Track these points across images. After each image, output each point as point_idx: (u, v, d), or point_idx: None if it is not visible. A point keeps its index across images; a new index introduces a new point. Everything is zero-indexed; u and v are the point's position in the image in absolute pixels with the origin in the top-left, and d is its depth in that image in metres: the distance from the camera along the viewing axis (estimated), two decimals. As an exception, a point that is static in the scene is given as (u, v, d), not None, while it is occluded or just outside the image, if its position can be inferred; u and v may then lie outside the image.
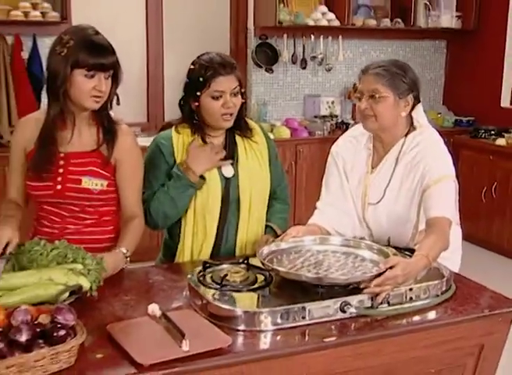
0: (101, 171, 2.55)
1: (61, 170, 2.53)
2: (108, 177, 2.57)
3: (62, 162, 2.54)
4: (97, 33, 2.50)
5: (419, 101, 2.74)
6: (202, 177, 2.71)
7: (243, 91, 2.74)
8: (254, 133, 2.87)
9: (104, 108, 2.56)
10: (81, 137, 2.57)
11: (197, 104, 2.70)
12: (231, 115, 2.69)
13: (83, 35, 2.46)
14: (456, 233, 2.79)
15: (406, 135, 2.74)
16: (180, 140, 2.77)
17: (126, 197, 2.63)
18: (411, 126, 2.76)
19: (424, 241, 2.45)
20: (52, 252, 2.27)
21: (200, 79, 2.65)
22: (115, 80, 2.52)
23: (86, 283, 2.16)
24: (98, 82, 2.43)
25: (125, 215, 2.67)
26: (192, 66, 2.72)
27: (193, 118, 2.76)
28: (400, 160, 2.72)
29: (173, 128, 2.80)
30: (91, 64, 2.41)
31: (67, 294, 2.11)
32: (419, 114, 2.78)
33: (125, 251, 2.50)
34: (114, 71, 2.49)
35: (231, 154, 2.79)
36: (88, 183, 2.52)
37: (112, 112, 2.62)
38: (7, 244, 2.26)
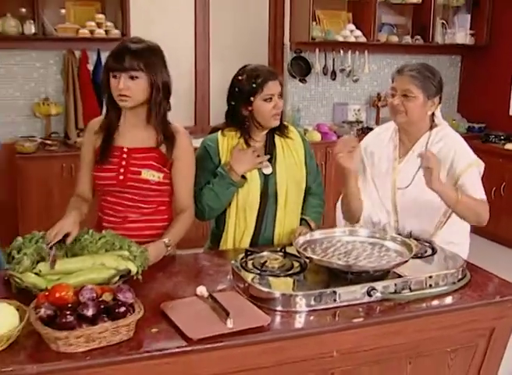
0: (158, 165, 2.56)
1: (124, 163, 2.56)
2: (164, 171, 2.58)
3: (125, 156, 2.57)
4: (137, 41, 2.52)
5: (440, 102, 2.77)
6: (243, 177, 2.70)
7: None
8: (290, 132, 2.87)
9: (156, 112, 2.54)
10: (140, 135, 2.58)
11: (250, 108, 2.69)
12: (279, 115, 2.71)
13: (120, 44, 2.53)
14: (465, 223, 2.81)
15: (430, 130, 2.77)
16: (225, 142, 2.77)
17: (180, 191, 2.64)
18: (433, 123, 2.79)
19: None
20: (100, 240, 2.28)
21: (254, 85, 2.66)
22: (155, 83, 2.50)
23: (133, 268, 2.17)
24: (119, 82, 2.45)
25: (177, 207, 2.67)
26: (240, 77, 2.71)
27: (244, 123, 2.75)
28: (428, 150, 2.71)
29: (220, 132, 2.80)
30: (111, 66, 2.47)
31: (117, 277, 2.12)
32: (438, 113, 2.81)
33: (167, 241, 2.49)
34: (150, 75, 2.48)
35: (270, 153, 2.78)
36: (147, 174, 2.54)
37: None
38: (66, 235, 2.29)
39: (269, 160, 2.77)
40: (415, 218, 2.78)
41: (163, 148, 2.58)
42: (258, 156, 2.73)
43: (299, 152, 2.86)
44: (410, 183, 2.74)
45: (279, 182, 2.76)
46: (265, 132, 2.80)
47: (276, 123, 2.75)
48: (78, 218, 2.45)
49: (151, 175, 2.55)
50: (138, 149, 2.58)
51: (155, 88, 2.50)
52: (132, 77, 2.45)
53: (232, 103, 2.75)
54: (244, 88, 2.69)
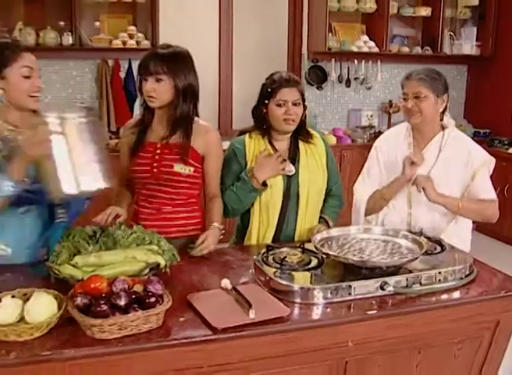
0: (189, 160, 2.59)
1: (157, 157, 2.60)
2: (194, 165, 2.61)
3: (158, 151, 2.61)
4: (164, 47, 2.58)
5: (448, 100, 2.81)
6: (265, 184, 2.69)
7: (306, 104, 2.75)
8: (313, 138, 2.85)
9: (172, 112, 2.57)
10: (166, 132, 2.61)
11: (265, 110, 2.70)
12: (293, 120, 2.69)
13: (150, 50, 2.63)
14: (468, 222, 2.89)
15: (442, 130, 2.81)
16: (252, 145, 2.77)
17: (211, 181, 2.70)
18: (442, 122, 2.83)
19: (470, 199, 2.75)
20: (132, 235, 2.28)
21: (269, 90, 2.68)
22: (177, 85, 2.53)
23: (162, 261, 2.17)
24: (147, 84, 2.51)
25: (209, 195, 2.73)
26: (265, 82, 2.74)
27: (263, 123, 2.75)
28: (442, 148, 2.78)
29: (247, 134, 2.80)
30: (140, 71, 2.54)
31: (147, 269, 2.13)
32: (447, 113, 2.85)
33: (218, 225, 2.58)
34: (173, 77, 2.52)
35: (293, 157, 2.77)
36: (178, 167, 2.57)
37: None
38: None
39: (293, 163, 2.75)
40: (428, 213, 2.80)
41: (194, 144, 2.61)
42: (284, 160, 2.71)
43: (321, 157, 2.83)
44: None
45: (301, 184, 2.74)
46: (288, 136, 2.79)
47: (288, 128, 2.72)
48: (124, 206, 2.63)
49: (182, 168, 2.58)
50: (168, 145, 2.60)
51: (176, 90, 2.53)
52: (157, 80, 2.50)
53: (257, 103, 2.78)
54: (263, 91, 2.72)
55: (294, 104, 2.68)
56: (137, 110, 5.73)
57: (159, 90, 2.51)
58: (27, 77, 2.20)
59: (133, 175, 2.67)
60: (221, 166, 2.73)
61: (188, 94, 2.57)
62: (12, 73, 2.18)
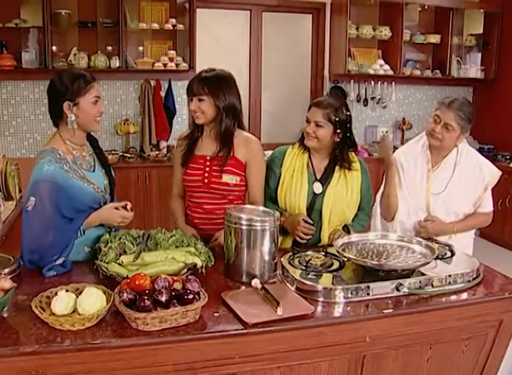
0: (234, 170, 2.63)
1: (207, 169, 2.64)
2: (240, 174, 2.64)
3: (208, 163, 2.65)
4: (208, 70, 2.63)
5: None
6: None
7: (338, 131, 2.62)
8: (353, 167, 2.72)
9: (217, 128, 2.63)
10: (217, 146, 2.65)
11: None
12: (312, 137, 2.63)
13: (197, 74, 2.66)
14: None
15: (456, 146, 2.80)
16: (291, 156, 2.74)
17: (252, 187, 2.68)
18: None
19: (465, 220, 2.83)
20: (171, 238, 2.29)
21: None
22: (217, 104, 2.58)
23: (199, 262, 2.17)
24: (192, 104, 2.61)
25: (250, 199, 2.71)
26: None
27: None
28: (458, 162, 2.78)
29: (291, 146, 2.78)
30: (187, 92, 2.64)
31: (185, 269, 2.13)
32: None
33: None
34: (213, 97, 2.57)
35: (326, 176, 2.70)
36: (226, 178, 2.61)
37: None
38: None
39: (322, 183, 2.69)
40: (442, 218, 2.80)
41: (238, 154, 2.64)
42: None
43: (354, 185, 2.70)
44: (443, 190, 2.77)
45: (325, 202, 2.66)
46: (324, 156, 2.71)
47: (306, 143, 2.67)
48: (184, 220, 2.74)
49: (229, 179, 2.62)
50: (218, 157, 2.64)
51: (218, 108, 2.58)
52: (199, 100, 2.57)
53: None
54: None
55: (317, 124, 2.61)
56: (176, 125, 5.81)
57: (201, 108, 2.57)
58: (95, 104, 2.32)
59: (185, 184, 2.72)
60: (263, 175, 2.69)
61: (229, 112, 2.60)
62: (84, 101, 2.29)
